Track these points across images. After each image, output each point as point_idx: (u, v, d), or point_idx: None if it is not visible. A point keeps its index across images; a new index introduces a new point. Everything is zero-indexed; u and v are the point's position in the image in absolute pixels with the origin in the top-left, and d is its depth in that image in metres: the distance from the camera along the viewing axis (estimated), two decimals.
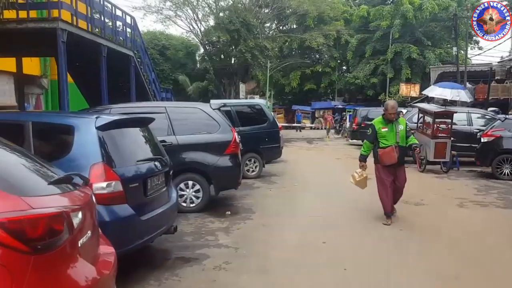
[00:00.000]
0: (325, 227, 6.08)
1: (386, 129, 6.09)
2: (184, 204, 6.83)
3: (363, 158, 6.35)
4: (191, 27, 31.41)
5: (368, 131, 6.34)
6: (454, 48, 20.89)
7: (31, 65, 14.72)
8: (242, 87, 30.76)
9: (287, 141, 19.61)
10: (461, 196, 8.22)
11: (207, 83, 35.88)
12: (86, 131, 3.95)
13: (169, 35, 41.34)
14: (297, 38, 37.21)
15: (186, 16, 31.05)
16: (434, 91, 11.67)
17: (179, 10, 30.78)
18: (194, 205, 6.89)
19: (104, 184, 3.76)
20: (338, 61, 41.44)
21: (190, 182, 6.86)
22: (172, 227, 4.79)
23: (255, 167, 10.70)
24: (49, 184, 2.32)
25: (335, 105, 38.97)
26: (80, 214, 2.30)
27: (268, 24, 36.38)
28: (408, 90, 33.28)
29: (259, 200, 7.98)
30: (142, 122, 4.87)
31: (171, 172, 4.96)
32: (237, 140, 7.23)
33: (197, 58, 41.59)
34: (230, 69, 31.18)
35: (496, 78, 18.08)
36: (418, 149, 6.24)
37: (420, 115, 12.33)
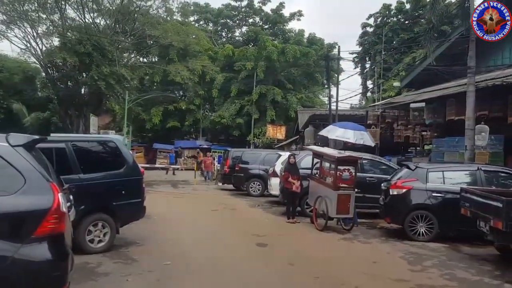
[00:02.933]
0: None
1: None
2: None
3: None
4: (28, 44, 25.65)
5: None
6: (327, 90, 20.72)
7: None
8: (94, 121, 25.95)
9: (148, 184, 15.84)
10: (399, 275, 6.05)
11: (49, 114, 30.07)
12: None
13: (2, 55, 34.14)
14: (160, 70, 34.16)
15: (22, 32, 25.34)
16: (335, 132, 9.86)
17: (13, 24, 24.95)
18: None
19: None
20: (203, 99, 39.59)
21: None
22: None
23: (104, 234, 7.06)
24: None
25: (200, 145, 36.52)
26: None
27: (126, 54, 32.52)
28: (275, 131, 32.84)
29: None
30: None
31: None
32: (62, 207, 3.73)
33: (37, 84, 35.08)
34: (79, 99, 26.20)
35: (368, 122, 17.89)
36: None
37: (315, 159, 10.37)
